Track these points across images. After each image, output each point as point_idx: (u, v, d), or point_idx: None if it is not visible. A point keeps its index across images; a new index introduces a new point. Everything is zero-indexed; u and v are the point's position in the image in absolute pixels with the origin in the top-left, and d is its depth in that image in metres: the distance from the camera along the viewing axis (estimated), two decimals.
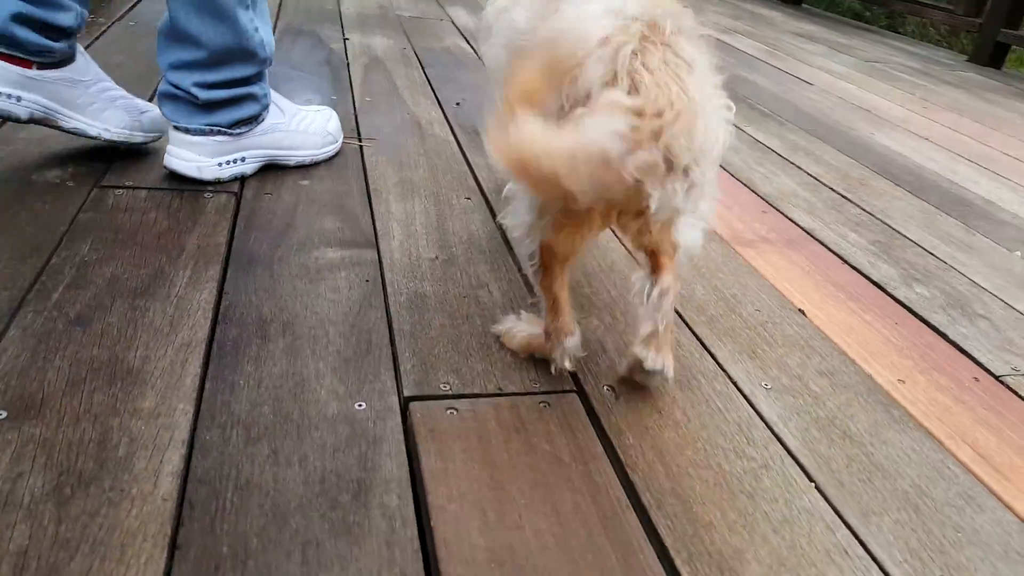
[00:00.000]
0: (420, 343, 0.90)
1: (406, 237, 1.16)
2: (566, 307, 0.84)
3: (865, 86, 2.83)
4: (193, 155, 1.19)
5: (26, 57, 1.10)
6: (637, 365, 0.81)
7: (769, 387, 0.92)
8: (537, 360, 0.90)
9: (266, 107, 1.26)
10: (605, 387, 0.88)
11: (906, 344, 1.07)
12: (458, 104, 1.85)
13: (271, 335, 0.88)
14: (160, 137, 1.29)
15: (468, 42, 2.52)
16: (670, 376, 0.82)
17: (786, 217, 1.46)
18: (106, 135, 1.22)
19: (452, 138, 1.61)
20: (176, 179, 1.21)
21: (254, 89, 1.21)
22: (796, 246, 1.34)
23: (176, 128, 1.18)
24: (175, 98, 1.17)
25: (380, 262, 1.07)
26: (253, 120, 1.23)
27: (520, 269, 1.10)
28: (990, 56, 3.81)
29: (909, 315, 1.16)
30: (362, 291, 1.00)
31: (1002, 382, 1.02)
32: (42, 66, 1.12)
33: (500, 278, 1.07)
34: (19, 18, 1.06)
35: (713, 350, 0.98)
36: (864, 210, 1.55)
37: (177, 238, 1.06)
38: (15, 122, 1.15)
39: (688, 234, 0.78)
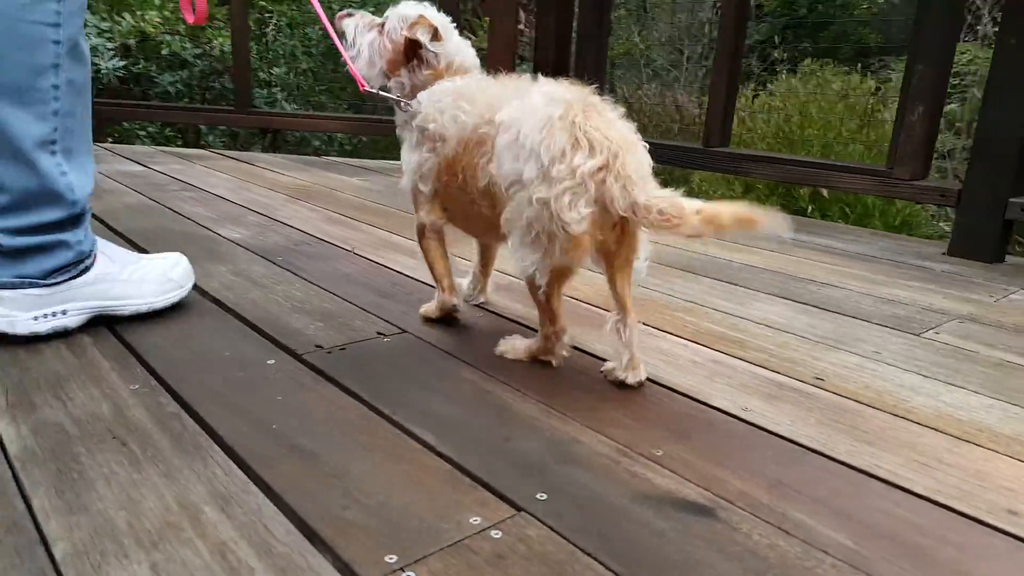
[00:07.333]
0: None
1: None
2: (560, 315, 1.18)
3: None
4: (4, 310, 1.13)
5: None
6: (620, 383, 1.15)
7: None
8: None
9: (85, 255, 1.20)
10: None
11: None
12: None
13: None
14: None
15: None
16: (643, 380, 1.15)
17: None
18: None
19: None
20: None
21: (65, 236, 1.16)
22: None
23: None
24: None
25: None
26: (70, 268, 1.17)
27: None
28: (993, 246, 2.18)
29: None
30: None
31: None
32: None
33: None
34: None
35: None
36: None
37: None
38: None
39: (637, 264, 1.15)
